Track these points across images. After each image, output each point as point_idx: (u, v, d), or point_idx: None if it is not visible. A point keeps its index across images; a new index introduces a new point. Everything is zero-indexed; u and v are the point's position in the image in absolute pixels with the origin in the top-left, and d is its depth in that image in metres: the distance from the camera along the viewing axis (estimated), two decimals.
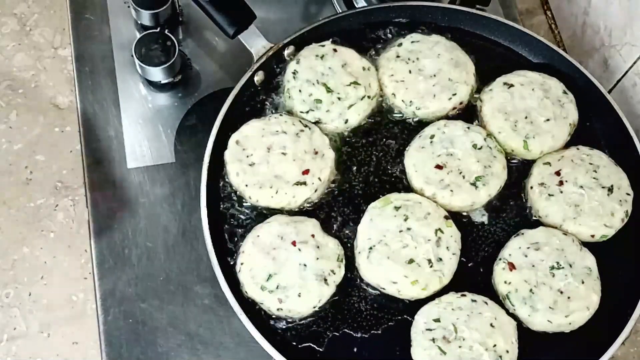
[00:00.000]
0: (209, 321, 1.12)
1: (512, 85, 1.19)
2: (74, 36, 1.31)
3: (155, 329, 1.11)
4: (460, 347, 1.01)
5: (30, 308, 1.18)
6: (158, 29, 1.26)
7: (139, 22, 1.30)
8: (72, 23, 1.32)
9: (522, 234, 1.10)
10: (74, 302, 1.20)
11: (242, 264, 1.05)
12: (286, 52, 1.20)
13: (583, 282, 1.07)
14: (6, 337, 1.15)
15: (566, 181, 1.13)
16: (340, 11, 1.27)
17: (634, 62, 1.25)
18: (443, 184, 1.11)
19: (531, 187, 1.14)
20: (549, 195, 1.12)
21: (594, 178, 1.13)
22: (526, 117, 1.17)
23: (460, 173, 1.12)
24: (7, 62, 1.32)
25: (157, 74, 1.24)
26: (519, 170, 1.18)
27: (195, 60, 1.30)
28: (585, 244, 1.11)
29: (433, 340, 1.02)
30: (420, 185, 1.12)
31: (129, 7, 1.30)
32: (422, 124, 1.19)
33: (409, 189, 1.14)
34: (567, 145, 1.18)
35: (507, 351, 1.02)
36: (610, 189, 1.13)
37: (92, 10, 1.32)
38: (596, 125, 1.22)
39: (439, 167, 1.12)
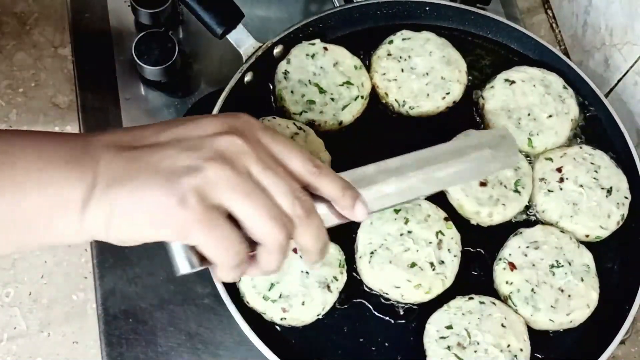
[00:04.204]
0: (209, 321, 1.12)
1: (513, 82, 1.19)
2: (74, 35, 1.31)
3: (156, 329, 1.11)
4: (475, 351, 1.01)
5: (30, 307, 1.18)
6: (158, 29, 1.26)
7: (139, 21, 1.30)
8: (72, 22, 1.31)
9: (521, 232, 1.10)
10: (74, 302, 1.20)
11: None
12: (275, 51, 1.19)
13: (582, 280, 1.07)
14: (6, 336, 1.15)
15: (567, 178, 1.13)
16: (333, 7, 1.27)
17: (635, 61, 1.25)
18: (493, 200, 1.10)
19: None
20: (549, 190, 1.12)
21: (594, 178, 1.13)
22: (529, 114, 1.17)
23: (501, 183, 1.11)
24: (7, 61, 1.32)
25: (157, 74, 1.24)
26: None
27: (195, 60, 1.30)
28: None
29: (449, 348, 1.01)
30: (475, 209, 1.10)
31: (129, 6, 1.29)
32: (417, 119, 1.19)
33: None
34: (569, 142, 1.19)
35: (521, 349, 1.02)
36: (609, 191, 1.13)
37: (92, 9, 1.32)
38: (596, 125, 1.23)
39: (482, 184, 1.11)
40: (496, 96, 1.19)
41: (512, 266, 1.07)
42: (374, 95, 1.20)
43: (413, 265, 1.05)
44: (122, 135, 0.73)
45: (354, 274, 1.08)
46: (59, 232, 0.71)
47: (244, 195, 0.70)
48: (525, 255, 1.08)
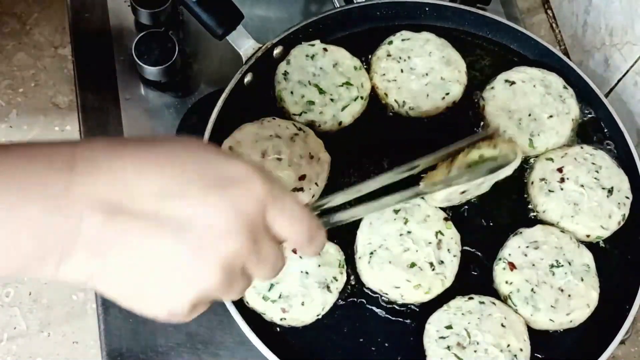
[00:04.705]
0: (209, 321, 1.12)
1: (513, 83, 1.19)
2: (74, 35, 1.31)
3: (155, 329, 1.11)
4: (475, 351, 1.01)
5: (30, 307, 1.18)
6: (158, 29, 1.26)
7: (139, 21, 1.30)
8: (72, 22, 1.32)
9: (521, 232, 1.10)
10: (74, 302, 1.20)
11: None
12: (275, 52, 1.20)
13: (582, 280, 1.07)
14: (6, 336, 1.15)
15: (567, 178, 1.13)
16: (333, 8, 1.27)
17: (635, 61, 1.25)
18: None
19: (532, 182, 1.14)
20: (549, 191, 1.12)
21: (595, 178, 1.13)
22: (529, 115, 1.17)
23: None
24: (7, 61, 1.32)
25: (157, 73, 1.24)
26: (520, 167, 1.17)
27: (195, 60, 1.30)
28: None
29: (448, 348, 1.01)
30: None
31: (129, 6, 1.29)
32: (417, 119, 1.19)
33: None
34: (570, 142, 1.19)
35: (521, 349, 1.02)
36: (610, 191, 1.13)
37: (92, 9, 1.32)
38: (597, 126, 1.23)
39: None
40: (496, 97, 1.19)
41: (512, 266, 1.07)
42: (374, 96, 1.20)
43: (413, 265, 1.05)
44: (114, 188, 0.61)
45: (354, 274, 1.08)
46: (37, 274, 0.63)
47: (237, 294, 0.69)
48: (525, 255, 1.08)
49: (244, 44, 1.17)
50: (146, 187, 0.61)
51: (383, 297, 1.07)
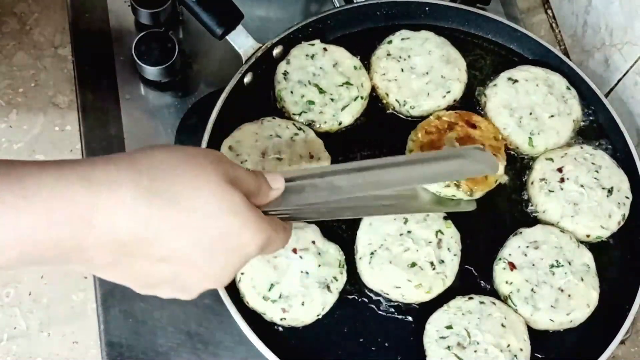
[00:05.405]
0: (209, 321, 1.12)
1: (516, 81, 1.19)
2: (74, 35, 1.31)
3: (155, 329, 1.11)
4: (475, 351, 1.01)
5: (30, 307, 1.18)
6: (158, 29, 1.26)
7: (139, 21, 1.30)
8: (72, 22, 1.31)
9: (521, 232, 1.10)
10: (74, 302, 1.20)
11: (242, 273, 1.04)
12: (275, 52, 1.20)
13: (582, 279, 1.07)
14: (6, 336, 1.15)
15: (567, 178, 1.13)
16: (333, 7, 1.27)
17: (635, 61, 1.25)
18: None
19: (532, 182, 1.14)
20: (549, 191, 1.13)
21: (595, 178, 1.13)
22: (531, 114, 1.17)
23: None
24: (7, 61, 1.32)
25: (157, 73, 1.24)
26: (519, 167, 1.18)
27: (195, 59, 1.30)
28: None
29: (448, 348, 1.01)
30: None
31: (129, 6, 1.29)
32: (418, 118, 1.19)
33: None
34: (570, 142, 1.19)
35: (521, 349, 1.02)
36: (610, 191, 1.13)
37: (92, 9, 1.32)
38: (597, 125, 1.22)
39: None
40: (499, 94, 1.19)
41: (512, 266, 1.07)
42: (374, 96, 1.20)
43: (413, 265, 1.05)
44: (124, 230, 0.68)
45: (354, 274, 1.08)
46: None
47: None
48: (525, 255, 1.08)
49: (244, 43, 1.17)
50: (162, 246, 0.71)
51: (383, 297, 1.07)
